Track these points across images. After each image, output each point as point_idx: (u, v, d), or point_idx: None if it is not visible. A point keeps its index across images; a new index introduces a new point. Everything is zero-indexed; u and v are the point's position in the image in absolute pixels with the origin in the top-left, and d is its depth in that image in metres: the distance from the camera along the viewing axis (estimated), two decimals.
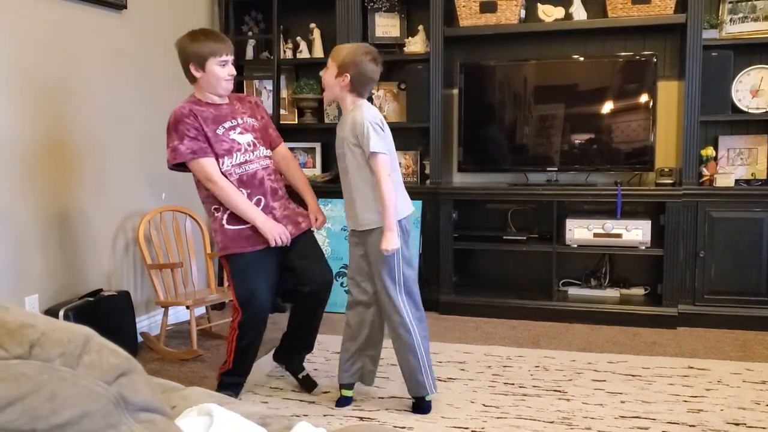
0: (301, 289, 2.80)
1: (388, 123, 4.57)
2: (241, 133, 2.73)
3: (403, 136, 4.56)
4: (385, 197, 2.53)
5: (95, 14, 3.40)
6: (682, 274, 3.84)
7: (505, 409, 2.73)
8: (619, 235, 3.89)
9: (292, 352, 3.01)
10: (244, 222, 2.67)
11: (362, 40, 4.26)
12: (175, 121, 2.62)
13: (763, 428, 2.53)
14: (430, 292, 4.22)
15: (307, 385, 2.99)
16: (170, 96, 4.03)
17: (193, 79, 2.71)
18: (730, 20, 3.85)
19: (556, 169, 4.09)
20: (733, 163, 3.99)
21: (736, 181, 3.85)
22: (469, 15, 4.08)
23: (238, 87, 4.61)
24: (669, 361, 3.25)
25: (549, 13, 4.07)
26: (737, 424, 2.56)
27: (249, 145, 2.74)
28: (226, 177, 2.65)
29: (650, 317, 3.86)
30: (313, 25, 4.50)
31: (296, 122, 4.63)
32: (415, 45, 4.28)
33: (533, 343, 3.59)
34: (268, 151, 2.84)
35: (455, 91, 4.31)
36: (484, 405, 2.77)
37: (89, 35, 3.37)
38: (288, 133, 4.64)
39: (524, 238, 4.16)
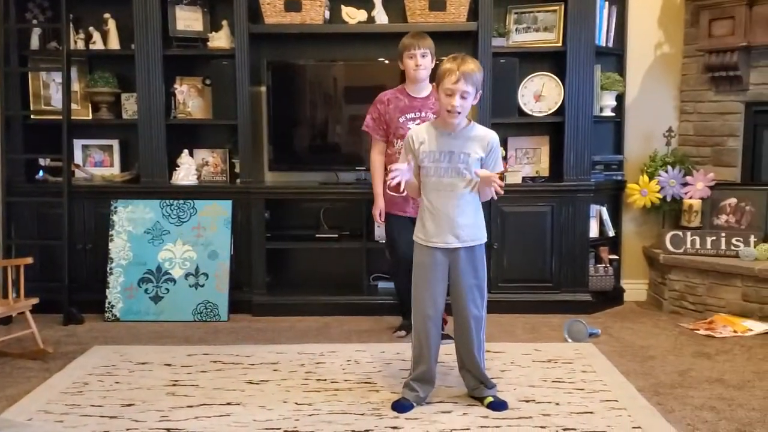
0: None
1: (193, 119, 4.44)
2: (417, 124, 3.20)
3: (210, 134, 4.43)
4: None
5: None
6: None
7: (318, 405, 2.75)
8: None
9: None
10: (397, 192, 3.04)
11: (162, 34, 4.06)
12: (375, 100, 3.55)
13: (549, 403, 2.78)
14: (243, 293, 4.14)
15: None
16: None
17: (402, 71, 3.49)
18: (516, 30, 4.21)
19: (364, 168, 4.20)
20: (521, 162, 4.36)
21: (523, 178, 4.22)
22: (273, 13, 4.05)
23: (22, 79, 4.17)
24: None
25: (352, 16, 4.16)
26: (528, 401, 2.80)
27: None
28: (397, 153, 3.28)
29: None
30: (107, 15, 4.19)
31: (90, 117, 4.30)
32: (220, 40, 4.16)
33: (345, 338, 3.66)
34: None
35: (263, 89, 4.25)
36: (296, 403, 2.77)
37: None
38: (81, 130, 4.31)
39: (336, 235, 4.23)
